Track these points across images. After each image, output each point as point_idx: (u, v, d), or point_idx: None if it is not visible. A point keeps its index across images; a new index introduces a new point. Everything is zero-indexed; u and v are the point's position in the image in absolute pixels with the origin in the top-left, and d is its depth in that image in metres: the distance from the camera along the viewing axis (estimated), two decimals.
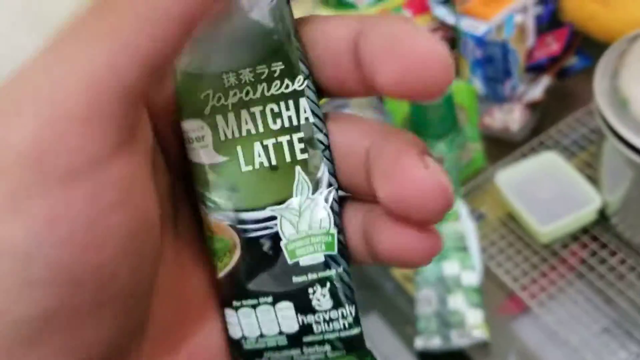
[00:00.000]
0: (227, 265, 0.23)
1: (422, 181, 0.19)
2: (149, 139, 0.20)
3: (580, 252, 0.69)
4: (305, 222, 0.22)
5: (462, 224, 0.72)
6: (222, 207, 0.23)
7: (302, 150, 0.22)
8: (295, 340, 0.23)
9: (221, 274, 0.23)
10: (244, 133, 0.22)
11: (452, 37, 0.84)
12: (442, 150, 0.74)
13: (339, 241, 0.22)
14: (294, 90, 0.22)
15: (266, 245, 0.22)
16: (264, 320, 0.23)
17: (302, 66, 0.22)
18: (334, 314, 0.22)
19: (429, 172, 0.19)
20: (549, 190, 0.72)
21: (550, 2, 0.91)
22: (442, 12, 0.84)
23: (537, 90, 0.82)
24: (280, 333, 0.23)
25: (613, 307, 0.66)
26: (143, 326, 0.21)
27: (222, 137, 0.22)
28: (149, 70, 0.18)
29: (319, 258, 0.22)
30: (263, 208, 0.22)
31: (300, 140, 0.22)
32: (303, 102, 0.22)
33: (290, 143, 0.22)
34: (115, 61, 0.17)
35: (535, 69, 0.84)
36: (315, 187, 0.22)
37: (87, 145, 0.17)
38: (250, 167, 0.22)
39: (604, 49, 0.69)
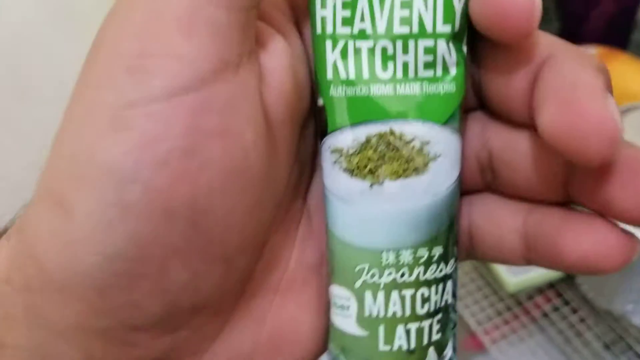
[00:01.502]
0: None
1: (597, 120, 0.17)
2: (267, 65, 0.19)
3: (544, 305, 0.73)
4: None
5: None
6: None
7: (437, 331, 0.22)
8: None
9: None
10: (389, 314, 0.21)
11: None
12: None
13: None
14: (445, 274, 0.22)
15: None
16: None
17: (455, 249, 0.22)
18: None
19: (607, 111, 0.17)
20: None
21: None
22: None
23: None
24: None
25: None
26: (240, 285, 0.20)
27: (367, 313, 0.21)
28: None
29: None
30: None
31: (439, 321, 0.22)
32: (449, 284, 0.22)
33: (431, 326, 0.22)
34: None
35: None
36: None
37: (192, 55, 0.17)
38: (388, 348, 0.21)
39: None
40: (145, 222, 0.17)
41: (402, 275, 0.21)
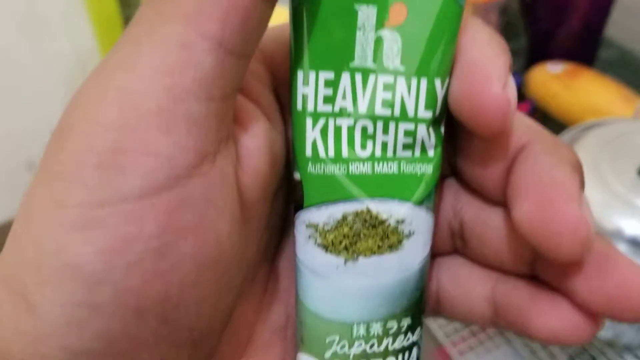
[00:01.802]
0: None
1: (573, 222, 0.18)
2: (240, 156, 0.19)
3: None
4: None
5: None
6: None
7: None
8: None
9: None
10: None
11: None
12: None
13: None
14: (412, 342, 0.22)
15: None
16: None
17: (422, 316, 0.22)
18: None
19: (582, 213, 0.18)
20: None
21: (517, 76, 0.95)
22: None
23: None
24: None
25: None
26: (206, 358, 0.20)
27: None
28: (224, 54, 0.16)
29: None
30: None
31: None
32: (415, 350, 0.22)
33: None
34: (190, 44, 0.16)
35: None
36: None
37: (169, 152, 0.16)
38: None
39: (562, 128, 0.73)
40: (114, 321, 0.16)
41: (372, 346, 0.21)
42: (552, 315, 0.20)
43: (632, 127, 0.69)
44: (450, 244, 0.23)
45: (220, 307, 0.19)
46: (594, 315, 0.19)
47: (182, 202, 0.16)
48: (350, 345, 0.21)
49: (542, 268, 0.20)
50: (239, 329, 0.22)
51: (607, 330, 0.66)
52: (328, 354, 0.21)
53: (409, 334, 0.22)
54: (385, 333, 0.21)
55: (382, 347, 0.21)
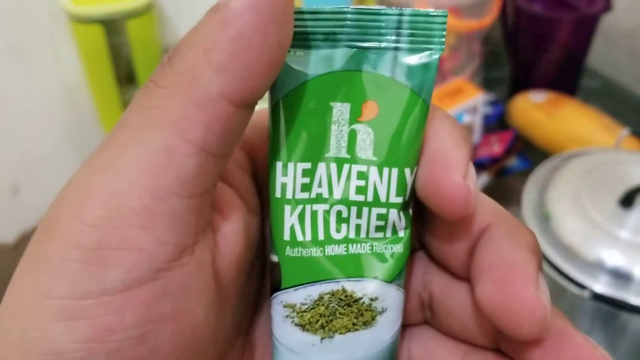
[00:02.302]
0: None
1: (531, 303, 0.19)
2: (216, 245, 0.20)
3: None
4: None
5: None
6: None
7: None
8: None
9: None
10: None
11: None
12: None
13: None
14: None
15: None
16: None
17: None
18: None
19: (539, 295, 0.19)
20: None
21: (499, 104, 0.96)
22: None
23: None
24: None
25: None
26: None
27: None
28: (207, 156, 0.17)
29: None
30: None
31: None
32: None
33: None
34: (172, 147, 0.17)
35: (476, 166, 0.88)
36: None
37: (150, 247, 0.17)
38: None
39: (544, 156, 0.74)
40: None
41: None
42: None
43: (613, 157, 0.69)
44: (420, 314, 0.24)
45: None
46: None
47: (161, 293, 0.17)
48: None
49: (505, 343, 0.21)
50: None
51: None
52: None
53: None
54: None
55: None
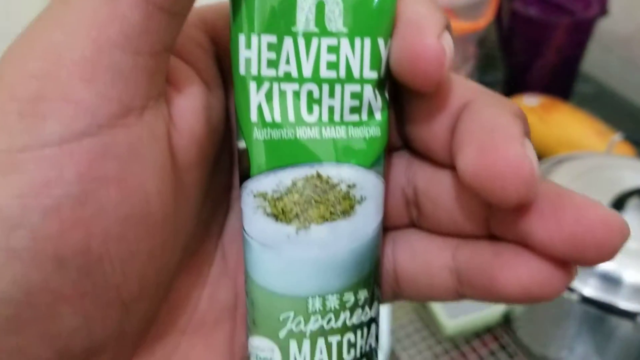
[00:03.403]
0: None
1: (515, 161, 0.17)
2: (172, 116, 0.19)
3: (480, 349, 0.73)
4: None
5: None
6: None
7: (362, 355, 0.21)
8: None
9: None
10: None
11: None
12: None
13: None
14: (370, 317, 0.21)
15: None
16: None
17: (379, 290, 0.21)
18: None
19: (524, 152, 0.18)
20: None
21: None
22: None
23: None
24: None
25: None
26: (141, 328, 0.20)
27: None
28: (153, 13, 0.17)
29: None
30: None
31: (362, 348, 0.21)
32: (373, 328, 0.22)
33: None
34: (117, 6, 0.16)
35: None
36: None
37: (90, 101, 0.16)
38: None
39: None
40: (32, 269, 0.16)
41: (329, 321, 0.20)
42: (518, 269, 0.19)
43: (605, 161, 0.69)
44: (405, 214, 0.22)
45: (153, 271, 0.19)
46: (562, 264, 0.19)
47: (104, 151, 0.16)
48: (306, 322, 0.20)
49: (498, 223, 0.20)
50: (180, 302, 0.21)
51: None
52: (283, 333, 0.20)
53: (367, 309, 0.21)
54: (342, 307, 0.20)
55: (340, 322, 0.20)
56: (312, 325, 0.20)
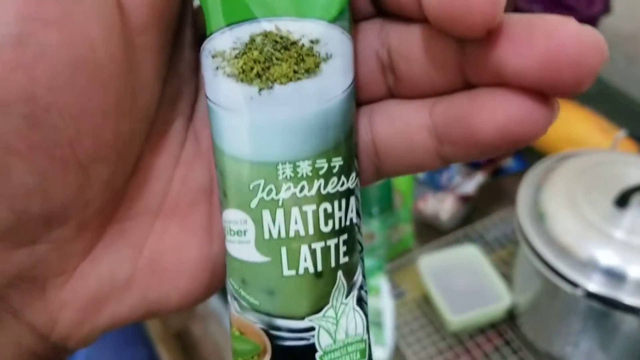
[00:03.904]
0: None
1: None
2: None
3: (485, 345, 0.73)
4: (342, 331, 0.20)
5: (382, 300, 0.75)
6: (256, 308, 0.20)
7: (345, 254, 0.20)
8: None
9: None
10: (291, 234, 0.19)
11: None
12: (374, 227, 0.78)
13: (370, 347, 0.20)
14: (348, 188, 0.20)
15: (300, 356, 0.20)
16: None
17: (356, 163, 0.20)
18: None
19: None
20: (465, 282, 0.76)
21: None
22: None
23: (471, 185, 0.86)
24: None
25: None
26: (106, 200, 0.19)
27: (267, 235, 0.19)
28: None
29: None
30: (302, 318, 0.20)
31: (345, 242, 0.20)
32: (352, 201, 0.20)
33: (337, 247, 0.20)
34: None
35: (472, 165, 0.88)
36: (349, 290, 0.20)
37: None
38: (293, 272, 0.19)
39: (540, 158, 0.74)
40: None
41: (302, 189, 0.19)
42: (494, 109, 0.18)
43: (609, 158, 0.69)
44: (382, 81, 0.21)
45: (109, 131, 0.18)
46: (540, 98, 0.17)
47: None
48: (278, 190, 0.19)
49: (471, 66, 0.19)
50: (150, 181, 0.21)
51: None
52: (254, 203, 0.19)
53: (343, 178, 0.20)
54: (315, 174, 0.19)
55: (314, 191, 0.19)
56: (285, 194, 0.19)
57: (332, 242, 0.20)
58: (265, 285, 0.20)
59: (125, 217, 0.20)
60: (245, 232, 0.19)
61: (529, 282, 0.69)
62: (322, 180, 0.19)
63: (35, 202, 0.17)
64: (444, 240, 0.83)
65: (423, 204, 0.85)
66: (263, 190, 0.19)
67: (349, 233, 0.20)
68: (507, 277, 0.75)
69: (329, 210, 0.20)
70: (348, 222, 0.20)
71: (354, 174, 0.20)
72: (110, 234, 0.20)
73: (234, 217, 0.20)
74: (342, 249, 0.20)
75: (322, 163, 0.19)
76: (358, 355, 0.20)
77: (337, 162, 0.20)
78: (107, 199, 0.19)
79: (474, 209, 0.87)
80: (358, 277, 0.20)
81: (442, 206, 0.84)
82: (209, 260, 0.21)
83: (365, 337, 0.20)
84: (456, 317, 0.71)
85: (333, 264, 0.20)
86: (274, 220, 0.19)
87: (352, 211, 0.20)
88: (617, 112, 0.95)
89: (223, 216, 0.20)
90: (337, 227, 0.20)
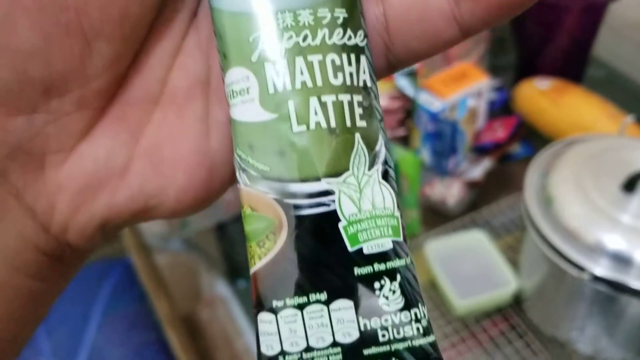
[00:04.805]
0: (270, 251, 0.18)
1: None
2: None
3: (491, 329, 0.73)
4: (368, 201, 0.18)
5: None
6: (267, 175, 0.18)
7: (362, 117, 0.18)
8: (353, 354, 0.17)
9: (260, 263, 0.18)
10: (297, 85, 0.18)
11: (410, 108, 0.89)
12: None
13: (403, 227, 0.18)
14: (356, 44, 0.19)
15: (320, 226, 0.18)
16: (313, 326, 0.17)
17: (363, 22, 0.19)
18: (404, 316, 0.18)
19: None
20: (471, 267, 0.76)
21: (504, 91, 0.96)
22: (404, 83, 0.88)
23: (478, 170, 0.87)
24: (334, 344, 0.17)
25: None
26: (106, 78, 0.19)
27: (271, 90, 0.18)
28: None
29: (387, 244, 0.18)
30: (318, 179, 0.18)
31: (360, 104, 0.18)
32: (364, 60, 0.19)
33: (351, 105, 0.18)
34: None
35: (479, 151, 0.89)
36: (372, 162, 0.18)
37: None
38: (303, 127, 0.18)
39: (548, 143, 0.74)
40: None
41: (305, 38, 0.18)
42: None
43: (616, 143, 0.69)
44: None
45: (115, 10, 0.18)
46: None
47: None
48: (279, 40, 0.18)
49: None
50: (151, 65, 0.21)
51: (587, 346, 0.66)
52: (255, 56, 0.18)
53: (349, 32, 0.18)
54: (318, 23, 0.18)
55: (318, 40, 0.18)
56: (287, 43, 0.18)
57: (344, 98, 0.18)
58: (275, 146, 0.18)
59: (125, 101, 0.20)
60: (248, 89, 0.18)
61: (536, 266, 0.69)
62: (326, 30, 0.18)
63: (36, 65, 0.17)
64: (451, 225, 0.83)
65: (430, 190, 0.86)
66: (263, 42, 0.18)
67: (364, 96, 0.18)
68: (514, 263, 0.75)
69: (337, 62, 0.18)
70: (361, 83, 0.18)
71: (361, 32, 0.19)
72: (109, 117, 0.20)
73: (235, 75, 0.18)
74: (358, 110, 0.18)
75: (325, 12, 0.18)
76: (390, 232, 0.18)
77: (341, 13, 0.18)
78: (108, 80, 0.19)
79: (481, 195, 0.87)
80: (380, 149, 0.18)
81: (449, 192, 0.84)
82: (206, 156, 0.21)
83: (397, 214, 0.18)
84: (462, 302, 0.72)
85: (349, 123, 0.18)
86: (277, 72, 0.18)
87: (364, 72, 0.19)
88: (624, 98, 0.95)
89: (225, 80, 0.19)
90: (348, 82, 0.18)
